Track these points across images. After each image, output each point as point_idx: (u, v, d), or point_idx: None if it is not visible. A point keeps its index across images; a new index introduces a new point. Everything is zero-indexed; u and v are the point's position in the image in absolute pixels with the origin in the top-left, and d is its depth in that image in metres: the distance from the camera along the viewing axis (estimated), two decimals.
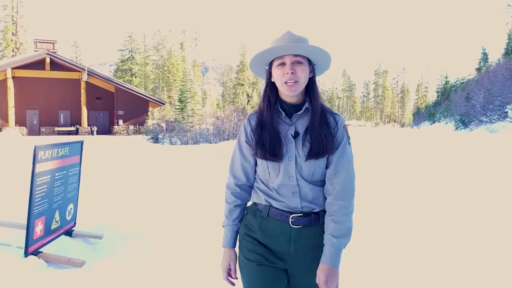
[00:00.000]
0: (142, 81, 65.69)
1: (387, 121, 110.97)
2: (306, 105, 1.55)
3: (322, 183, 1.57)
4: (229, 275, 1.61)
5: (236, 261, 1.62)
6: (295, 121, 1.55)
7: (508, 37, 50.22)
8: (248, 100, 78.85)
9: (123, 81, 50.42)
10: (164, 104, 44.84)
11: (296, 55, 1.49)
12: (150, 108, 42.48)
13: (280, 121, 1.56)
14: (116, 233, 4.37)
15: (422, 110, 64.93)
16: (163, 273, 3.35)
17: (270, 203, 1.56)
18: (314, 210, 1.54)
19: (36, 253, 3.37)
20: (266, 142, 1.51)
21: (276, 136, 1.52)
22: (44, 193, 3.42)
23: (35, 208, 3.29)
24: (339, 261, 1.49)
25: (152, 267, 3.47)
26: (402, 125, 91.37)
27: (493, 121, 27.63)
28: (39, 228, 3.40)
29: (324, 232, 1.53)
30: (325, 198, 1.56)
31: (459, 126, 33.02)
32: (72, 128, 38.08)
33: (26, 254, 3.27)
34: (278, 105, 1.56)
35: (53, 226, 3.67)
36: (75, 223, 4.14)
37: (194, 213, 5.38)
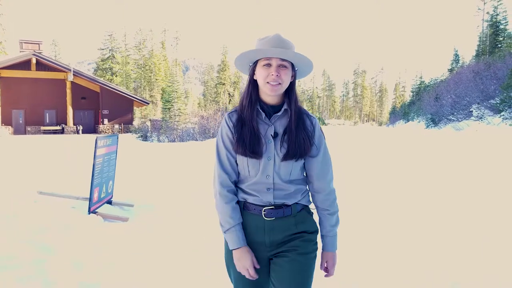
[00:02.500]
0: (124, 80, 65.83)
1: (366, 120, 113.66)
2: (285, 106, 1.59)
3: (298, 182, 1.64)
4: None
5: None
6: (274, 121, 1.60)
7: (479, 39, 52.84)
8: (230, 99, 80.00)
9: (104, 80, 51.03)
10: (148, 103, 45.87)
11: (283, 60, 1.54)
12: (134, 108, 43.47)
13: (260, 121, 1.61)
14: (142, 203, 5.80)
15: (398, 109, 67.51)
16: (176, 228, 4.81)
17: (245, 199, 1.62)
18: (286, 203, 1.60)
19: (94, 212, 4.78)
20: (247, 139, 1.56)
21: (256, 134, 1.57)
22: (99, 170, 4.84)
23: (94, 180, 4.71)
24: (337, 244, 1.71)
25: (168, 225, 4.92)
26: (380, 124, 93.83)
27: (459, 119, 29.69)
28: (95, 195, 4.82)
29: (296, 223, 1.61)
30: (301, 194, 1.64)
31: (430, 124, 34.98)
32: (58, 127, 38.63)
33: (89, 212, 4.68)
34: (258, 105, 1.61)
35: (102, 195, 5.08)
36: (112, 195, 5.55)
37: (195, 191, 6.83)
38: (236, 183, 1.66)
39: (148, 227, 4.71)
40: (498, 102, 23.33)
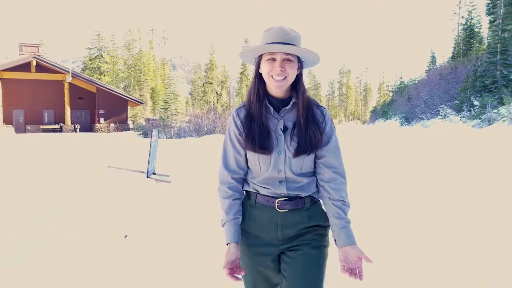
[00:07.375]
0: (113, 80, 66.15)
1: (351, 119, 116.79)
2: (294, 99, 1.57)
3: (310, 174, 1.61)
4: (233, 271, 1.49)
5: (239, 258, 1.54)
6: (283, 115, 1.58)
7: (454, 42, 56.17)
8: (218, 99, 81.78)
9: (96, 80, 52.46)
10: (142, 103, 48.27)
11: (288, 53, 1.50)
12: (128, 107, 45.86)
13: (269, 115, 1.58)
14: (174, 175, 8.52)
15: (378, 109, 70.80)
16: (203, 188, 7.54)
17: (257, 191, 1.61)
18: (299, 195, 1.57)
19: (149, 177, 7.52)
20: (256, 135, 1.54)
21: (265, 129, 1.55)
22: (151, 151, 7.58)
23: (149, 157, 7.44)
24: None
25: (198, 186, 7.62)
26: (363, 122, 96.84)
27: (428, 118, 32.83)
28: (149, 167, 7.55)
29: (309, 216, 1.59)
30: (315, 186, 1.61)
31: (403, 123, 38.06)
32: (57, 126, 40.75)
33: (147, 176, 7.43)
34: (266, 100, 1.58)
35: (151, 168, 7.82)
36: (155, 169, 8.29)
37: (209, 168, 9.55)
38: (245, 179, 1.66)
39: (183, 186, 7.45)
40: (458, 102, 26.47)
